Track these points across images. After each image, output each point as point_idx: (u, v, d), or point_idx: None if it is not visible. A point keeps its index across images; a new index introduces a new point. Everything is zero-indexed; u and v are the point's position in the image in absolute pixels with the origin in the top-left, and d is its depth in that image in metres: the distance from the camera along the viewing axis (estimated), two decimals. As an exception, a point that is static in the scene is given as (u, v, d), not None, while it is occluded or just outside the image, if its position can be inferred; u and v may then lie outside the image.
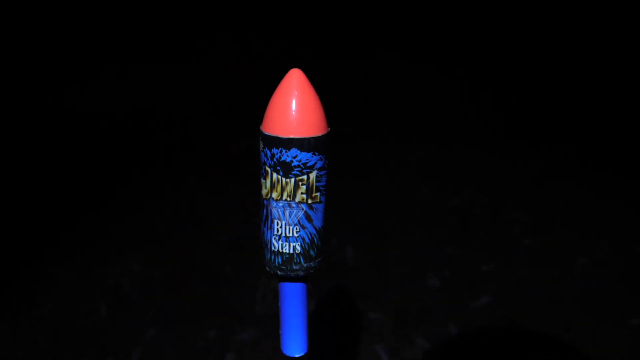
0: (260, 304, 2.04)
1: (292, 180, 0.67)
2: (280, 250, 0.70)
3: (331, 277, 2.18)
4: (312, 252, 0.71)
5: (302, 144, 0.65)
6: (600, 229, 2.52)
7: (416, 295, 2.12)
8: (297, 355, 0.78)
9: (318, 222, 0.70)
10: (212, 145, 3.34)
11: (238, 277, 2.19)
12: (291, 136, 0.65)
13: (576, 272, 2.24)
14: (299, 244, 0.70)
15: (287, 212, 0.68)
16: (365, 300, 2.09)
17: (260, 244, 0.73)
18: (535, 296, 2.10)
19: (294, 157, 0.66)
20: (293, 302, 0.73)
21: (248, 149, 3.18)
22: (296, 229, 0.69)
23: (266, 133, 0.67)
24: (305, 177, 0.67)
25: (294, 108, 0.65)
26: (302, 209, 0.68)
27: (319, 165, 0.67)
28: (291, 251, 0.70)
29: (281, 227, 0.69)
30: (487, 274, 2.23)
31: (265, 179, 0.69)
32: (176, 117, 3.68)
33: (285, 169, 0.67)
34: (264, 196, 0.70)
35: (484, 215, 2.62)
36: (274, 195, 0.68)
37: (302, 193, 0.68)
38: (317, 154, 0.67)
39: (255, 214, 2.10)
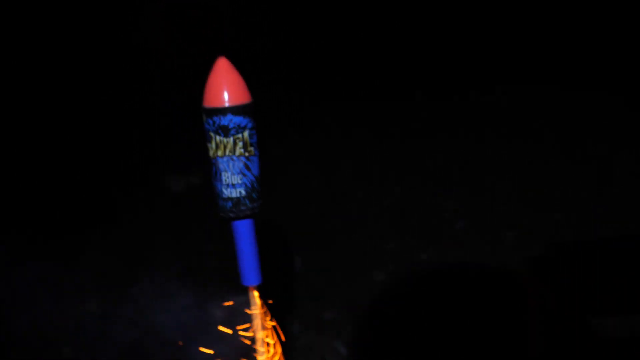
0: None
1: (231, 139, 0.90)
2: (229, 196, 0.93)
3: (286, 286, 2.37)
4: (254, 195, 0.94)
5: (235, 110, 0.89)
6: (520, 203, 2.83)
7: (365, 291, 2.34)
8: (255, 284, 0.99)
9: (255, 170, 0.93)
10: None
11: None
12: (226, 105, 0.89)
13: (506, 246, 2.52)
14: (243, 189, 0.93)
15: (230, 165, 0.91)
16: (319, 301, 2.29)
17: (213, 199, 0.95)
18: (473, 275, 2.35)
19: (230, 121, 0.90)
20: (245, 236, 0.96)
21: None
22: (239, 177, 0.92)
23: (207, 107, 0.90)
24: (240, 135, 0.90)
25: (226, 85, 0.89)
26: (242, 161, 0.92)
27: (249, 125, 0.91)
28: (238, 195, 0.93)
29: (228, 177, 0.92)
30: (426, 262, 2.48)
31: (210, 142, 0.92)
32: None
33: (225, 131, 0.90)
34: (211, 156, 0.93)
35: (418, 208, 2.89)
36: (219, 153, 0.91)
37: (240, 148, 0.91)
38: (246, 117, 0.90)
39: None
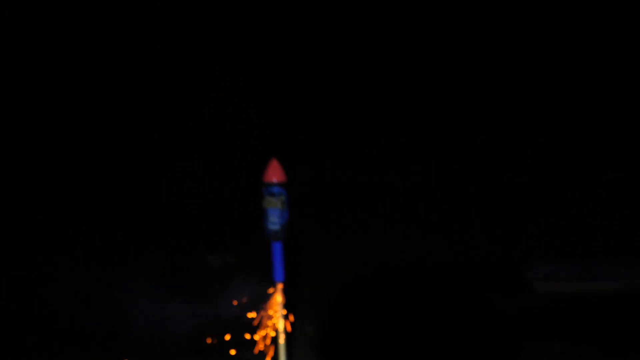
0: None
1: (275, 198, 1.75)
2: (272, 229, 1.76)
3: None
4: (284, 229, 1.77)
5: (278, 184, 1.74)
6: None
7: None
8: (282, 280, 1.81)
9: (286, 216, 1.77)
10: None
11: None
12: (274, 181, 1.74)
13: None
14: (279, 225, 1.76)
15: (274, 212, 1.75)
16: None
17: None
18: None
19: (275, 189, 1.74)
20: (277, 252, 1.78)
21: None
22: (277, 219, 1.76)
23: (265, 182, 1.76)
24: (280, 197, 1.75)
25: (275, 173, 1.75)
26: (279, 211, 1.75)
27: (284, 193, 1.76)
28: (275, 229, 1.76)
29: (272, 218, 1.76)
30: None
31: (264, 200, 1.76)
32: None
33: (272, 194, 1.75)
34: (264, 207, 1.77)
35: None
36: (269, 205, 1.76)
37: (279, 204, 1.75)
38: (283, 188, 1.75)
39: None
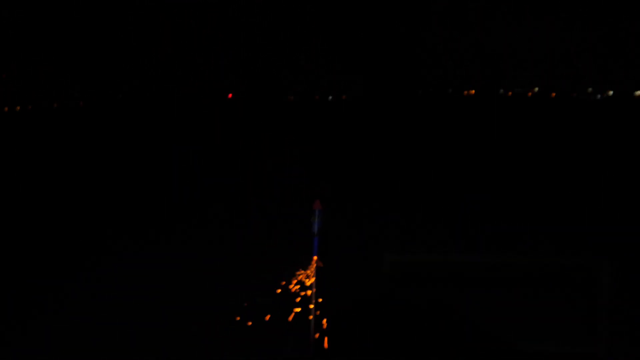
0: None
1: (316, 216, 3.76)
2: (314, 231, 3.77)
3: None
4: (319, 231, 3.78)
5: (318, 211, 3.75)
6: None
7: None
8: (316, 254, 3.81)
9: (320, 225, 3.78)
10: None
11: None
12: (317, 209, 3.75)
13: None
14: (316, 229, 3.77)
15: (315, 223, 3.76)
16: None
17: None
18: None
19: (317, 212, 3.75)
20: (315, 243, 3.78)
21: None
22: (317, 226, 3.77)
23: (314, 209, 3.76)
24: (318, 216, 3.76)
25: (317, 206, 3.75)
26: (317, 222, 3.77)
27: (321, 214, 3.77)
28: (315, 231, 3.77)
29: (314, 225, 3.77)
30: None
31: (311, 217, 3.76)
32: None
33: (315, 214, 3.75)
34: (311, 221, 3.77)
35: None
36: (313, 220, 3.76)
37: (318, 219, 3.76)
38: (320, 211, 3.76)
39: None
